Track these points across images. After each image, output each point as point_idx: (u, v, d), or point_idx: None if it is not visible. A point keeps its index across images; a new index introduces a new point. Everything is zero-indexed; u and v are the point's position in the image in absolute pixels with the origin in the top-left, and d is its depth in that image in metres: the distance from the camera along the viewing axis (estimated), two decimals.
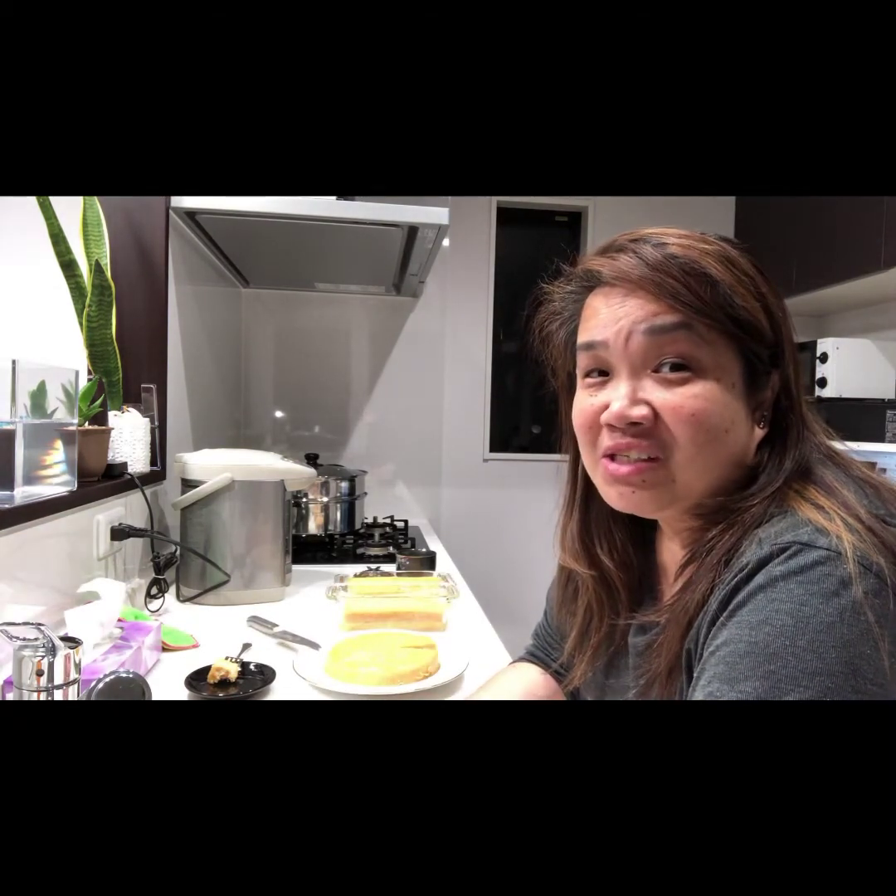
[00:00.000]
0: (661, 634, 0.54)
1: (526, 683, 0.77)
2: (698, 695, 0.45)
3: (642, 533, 0.64)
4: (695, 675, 0.48)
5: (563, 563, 0.67)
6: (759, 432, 0.54)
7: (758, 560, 0.47)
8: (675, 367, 0.50)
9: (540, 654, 0.79)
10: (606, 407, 0.52)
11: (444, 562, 1.61)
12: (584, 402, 0.55)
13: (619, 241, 0.54)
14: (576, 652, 0.66)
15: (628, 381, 0.52)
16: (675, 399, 0.50)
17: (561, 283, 0.59)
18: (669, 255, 0.50)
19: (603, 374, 0.54)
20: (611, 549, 0.63)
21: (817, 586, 0.44)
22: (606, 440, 0.53)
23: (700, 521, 0.54)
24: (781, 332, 0.53)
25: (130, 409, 1.30)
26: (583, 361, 0.55)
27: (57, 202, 1.13)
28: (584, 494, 0.63)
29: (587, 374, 0.55)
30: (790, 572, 0.45)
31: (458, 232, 2.58)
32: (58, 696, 0.63)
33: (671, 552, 0.61)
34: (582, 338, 0.55)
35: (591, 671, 0.65)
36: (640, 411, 0.51)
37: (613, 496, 0.55)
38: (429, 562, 1.53)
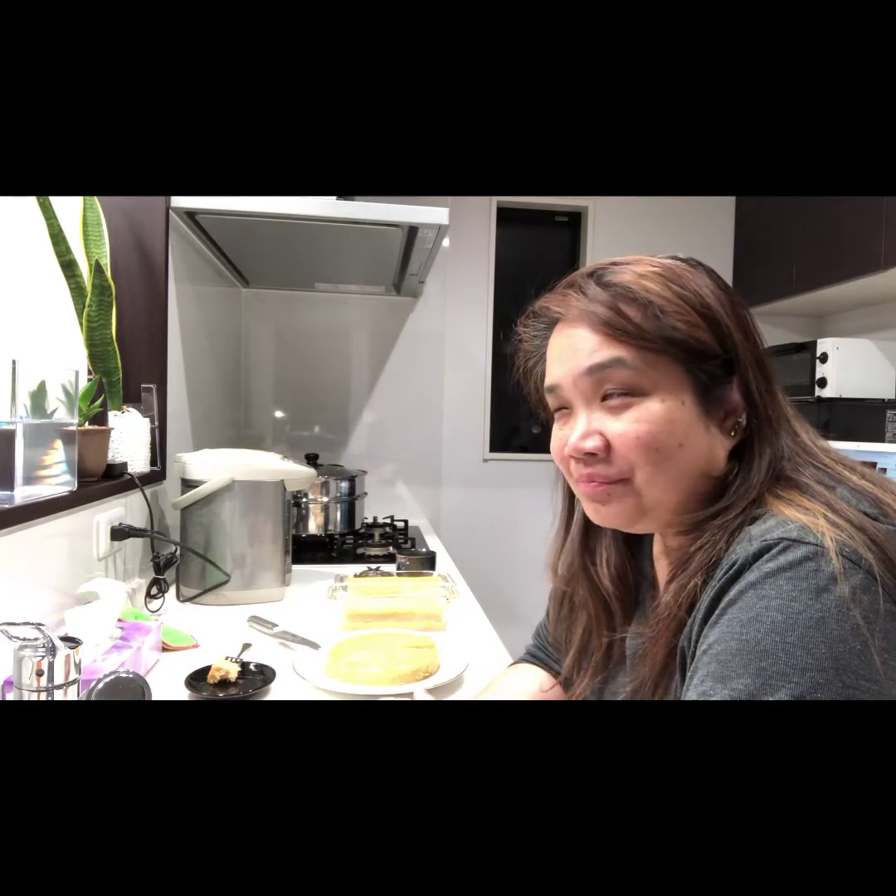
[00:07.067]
0: (647, 643, 0.55)
1: (529, 685, 0.77)
2: (691, 694, 0.46)
3: (639, 550, 0.66)
4: (688, 674, 0.48)
5: (559, 584, 0.69)
6: (728, 441, 0.55)
7: (746, 556, 0.47)
8: (621, 394, 0.54)
9: (541, 654, 0.79)
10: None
11: (444, 562, 1.61)
12: (556, 435, 0.60)
13: (574, 277, 0.57)
14: (574, 669, 0.67)
15: (583, 414, 0.56)
16: (621, 426, 0.54)
17: (530, 320, 0.63)
18: (608, 284, 0.54)
19: (568, 407, 0.58)
20: (607, 565, 0.65)
21: (806, 582, 0.44)
22: (576, 468, 0.57)
23: (683, 538, 0.55)
24: (729, 342, 0.54)
25: (130, 409, 1.30)
26: (550, 401, 0.60)
27: (57, 202, 1.13)
28: (581, 515, 0.66)
29: (555, 410, 0.60)
30: (779, 569, 0.45)
31: (458, 232, 2.58)
32: (58, 696, 0.63)
33: (662, 568, 0.63)
34: (547, 381, 0.59)
35: (591, 688, 0.66)
36: (592, 443, 0.54)
37: (591, 511, 0.59)
38: (429, 562, 1.53)
